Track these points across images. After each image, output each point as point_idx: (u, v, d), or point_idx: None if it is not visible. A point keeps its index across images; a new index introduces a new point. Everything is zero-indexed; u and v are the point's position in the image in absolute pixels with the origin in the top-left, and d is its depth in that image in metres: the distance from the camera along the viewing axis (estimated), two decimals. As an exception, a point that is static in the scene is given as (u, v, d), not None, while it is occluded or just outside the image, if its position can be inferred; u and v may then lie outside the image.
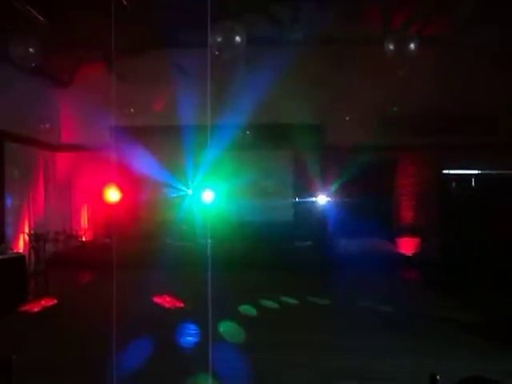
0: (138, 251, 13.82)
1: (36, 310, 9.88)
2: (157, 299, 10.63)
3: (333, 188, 15.70)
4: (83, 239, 16.10)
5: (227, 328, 8.30)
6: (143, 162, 14.80)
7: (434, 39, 13.02)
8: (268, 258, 13.74)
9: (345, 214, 15.39)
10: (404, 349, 7.20)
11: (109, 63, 14.12)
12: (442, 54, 13.97)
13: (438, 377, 2.54)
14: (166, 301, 10.58)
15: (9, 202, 13.05)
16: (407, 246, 15.47)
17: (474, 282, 11.82)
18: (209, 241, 15.20)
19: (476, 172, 15.68)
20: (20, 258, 11.06)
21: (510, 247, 12.78)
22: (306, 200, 15.99)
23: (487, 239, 13.63)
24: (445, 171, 15.62)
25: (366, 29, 12.77)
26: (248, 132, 15.12)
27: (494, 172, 15.32)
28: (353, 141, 14.67)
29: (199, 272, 13.04)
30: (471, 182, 15.74)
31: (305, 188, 15.82)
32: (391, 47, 7.05)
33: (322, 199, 15.79)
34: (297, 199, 16.04)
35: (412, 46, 7.04)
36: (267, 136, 14.36)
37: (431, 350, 7.08)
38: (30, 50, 8.11)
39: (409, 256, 15.19)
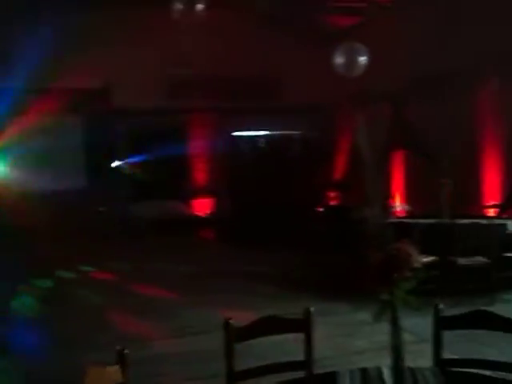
0: None
1: None
2: None
3: (126, 152, 15.44)
4: None
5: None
6: None
7: (225, 2, 13.26)
8: (57, 227, 12.89)
9: (139, 177, 15.29)
10: (204, 304, 7.42)
11: None
12: (229, 16, 14.18)
13: (231, 321, 2.63)
14: None
15: None
16: (202, 206, 15.88)
17: (264, 238, 12.54)
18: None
19: (264, 133, 16.51)
20: None
21: (294, 204, 13.77)
22: (100, 165, 15.50)
23: (276, 197, 14.51)
24: (235, 133, 16.21)
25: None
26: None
27: (280, 133, 16.26)
28: (142, 103, 14.44)
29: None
30: (260, 143, 16.55)
31: (97, 153, 15.32)
32: (179, 6, 7.03)
33: (117, 163, 15.45)
34: (89, 165, 15.47)
35: (199, 5, 7.09)
36: (55, 100, 13.49)
37: (233, 302, 7.35)
38: None
39: (203, 216, 15.63)
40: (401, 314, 2.13)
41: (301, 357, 2.83)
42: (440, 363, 2.74)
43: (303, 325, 2.74)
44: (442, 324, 2.74)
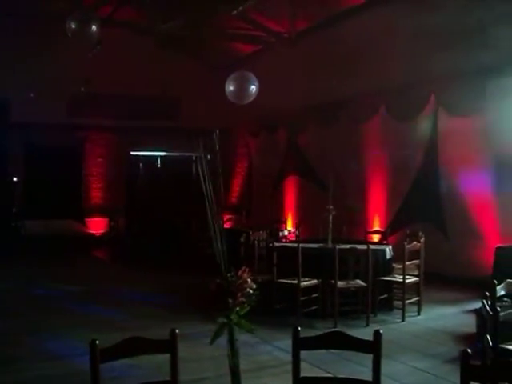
0: None
1: None
2: None
3: (21, 168, 14.93)
4: None
5: None
6: None
7: (125, 23, 13.26)
8: None
9: (33, 195, 14.82)
10: (87, 324, 7.29)
11: None
12: (130, 36, 14.09)
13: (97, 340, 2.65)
14: None
15: None
16: (96, 225, 15.61)
17: (157, 259, 12.50)
18: None
19: (162, 154, 16.53)
20: None
21: (189, 225, 13.86)
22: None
23: (171, 218, 14.53)
24: (132, 152, 16.13)
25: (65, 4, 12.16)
26: None
27: (177, 154, 16.33)
28: (40, 119, 14.06)
29: None
30: (157, 162, 16.55)
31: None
32: (73, 26, 7.00)
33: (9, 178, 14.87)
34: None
35: (94, 27, 7.09)
36: None
37: (117, 323, 7.28)
38: None
39: (97, 235, 15.38)
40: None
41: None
42: (298, 382, 2.91)
43: (169, 346, 2.83)
44: (300, 345, 2.91)
